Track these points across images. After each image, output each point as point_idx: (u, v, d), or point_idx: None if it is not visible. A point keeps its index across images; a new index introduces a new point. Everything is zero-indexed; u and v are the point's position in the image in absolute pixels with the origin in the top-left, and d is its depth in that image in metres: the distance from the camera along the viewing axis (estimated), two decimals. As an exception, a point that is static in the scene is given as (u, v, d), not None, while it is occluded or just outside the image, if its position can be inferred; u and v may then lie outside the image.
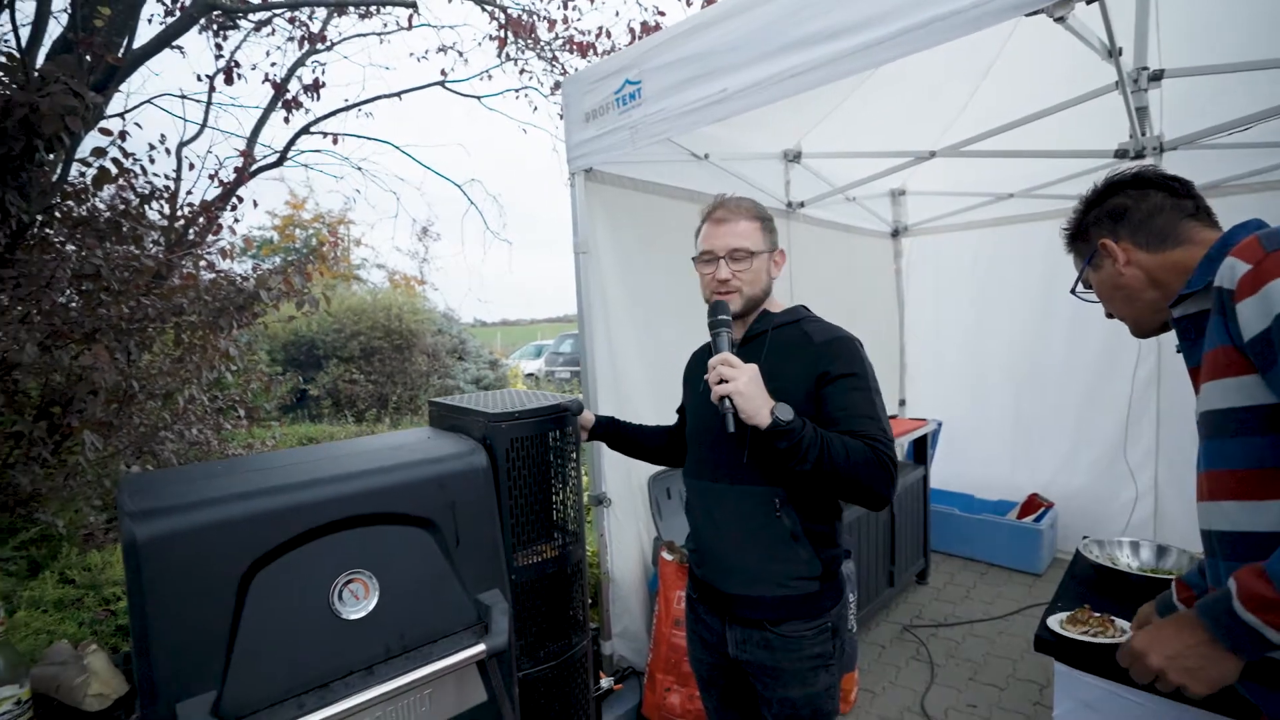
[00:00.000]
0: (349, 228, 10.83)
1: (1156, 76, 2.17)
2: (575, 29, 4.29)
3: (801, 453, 1.16)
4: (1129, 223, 1.10)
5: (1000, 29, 2.39)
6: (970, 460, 4.31)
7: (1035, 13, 1.35)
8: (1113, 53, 1.96)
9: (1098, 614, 1.60)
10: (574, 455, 1.70)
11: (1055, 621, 1.61)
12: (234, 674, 1.10)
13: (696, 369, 1.53)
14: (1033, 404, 4.07)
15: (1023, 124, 2.66)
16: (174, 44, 2.81)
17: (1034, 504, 3.97)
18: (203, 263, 2.78)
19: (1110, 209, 1.14)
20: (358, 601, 1.26)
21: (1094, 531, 3.59)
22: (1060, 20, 1.42)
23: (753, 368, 1.21)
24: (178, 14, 2.79)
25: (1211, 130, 2.54)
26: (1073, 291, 1.29)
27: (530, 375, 12.99)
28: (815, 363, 1.27)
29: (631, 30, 4.29)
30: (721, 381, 1.18)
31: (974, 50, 2.72)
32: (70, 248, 2.30)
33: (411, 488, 1.35)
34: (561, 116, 2.61)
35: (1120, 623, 1.57)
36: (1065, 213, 4.35)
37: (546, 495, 1.66)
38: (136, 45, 2.66)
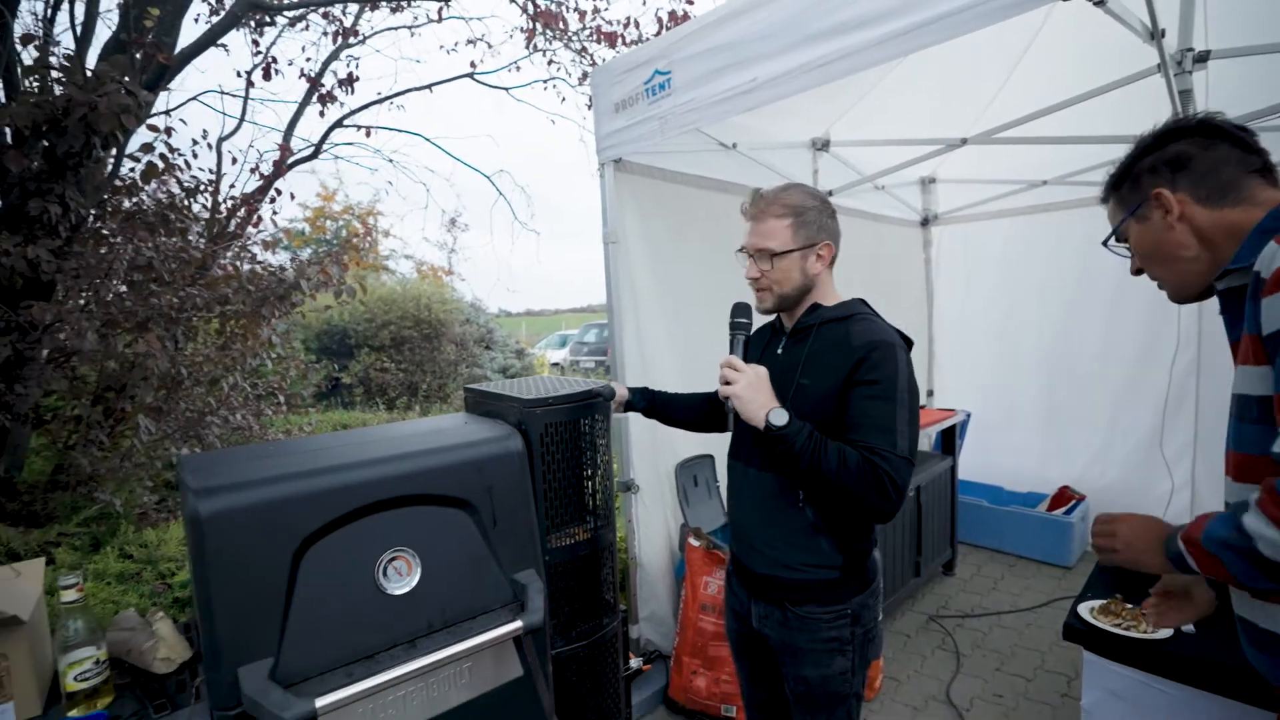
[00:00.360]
0: (377, 218, 11.04)
1: (1202, 58, 2.11)
2: (603, 19, 4.29)
3: (794, 457, 1.21)
4: (1190, 173, 1.00)
5: (1035, 12, 2.35)
6: (1000, 451, 4.26)
7: (1073, -2, 1.34)
8: (1155, 35, 1.92)
9: (1130, 605, 1.59)
10: (605, 441, 1.75)
11: (1086, 610, 1.61)
12: (289, 642, 1.17)
13: (749, 316, 1.51)
14: (1065, 395, 4.00)
15: (1058, 109, 2.61)
16: (219, 42, 2.91)
17: (1065, 496, 3.91)
18: (246, 254, 2.88)
19: (1171, 156, 1.02)
20: (401, 578, 1.32)
21: (1127, 525, 3.53)
22: (1100, 4, 1.40)
23: (757, 371, 1.27)
24: (222, 13, 2.88)
25: (1260, 113, 2.46)
26: (1105, 243, 1.18)
27: (555, 365, 13.10)
28: (848, 365, 1.26)
29: (659, 20, 4.28)
30: (727, 383, 1.27)
31: (1008, 34, 2.67)
32: (120, 240, 2.40)
33: (451, 470, 1.40)
34: (589, 107, 2.63)
35: (1152, 614, 1.56)
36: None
37: (579, 479, 1.70)
38: (183, 44, 2.77)
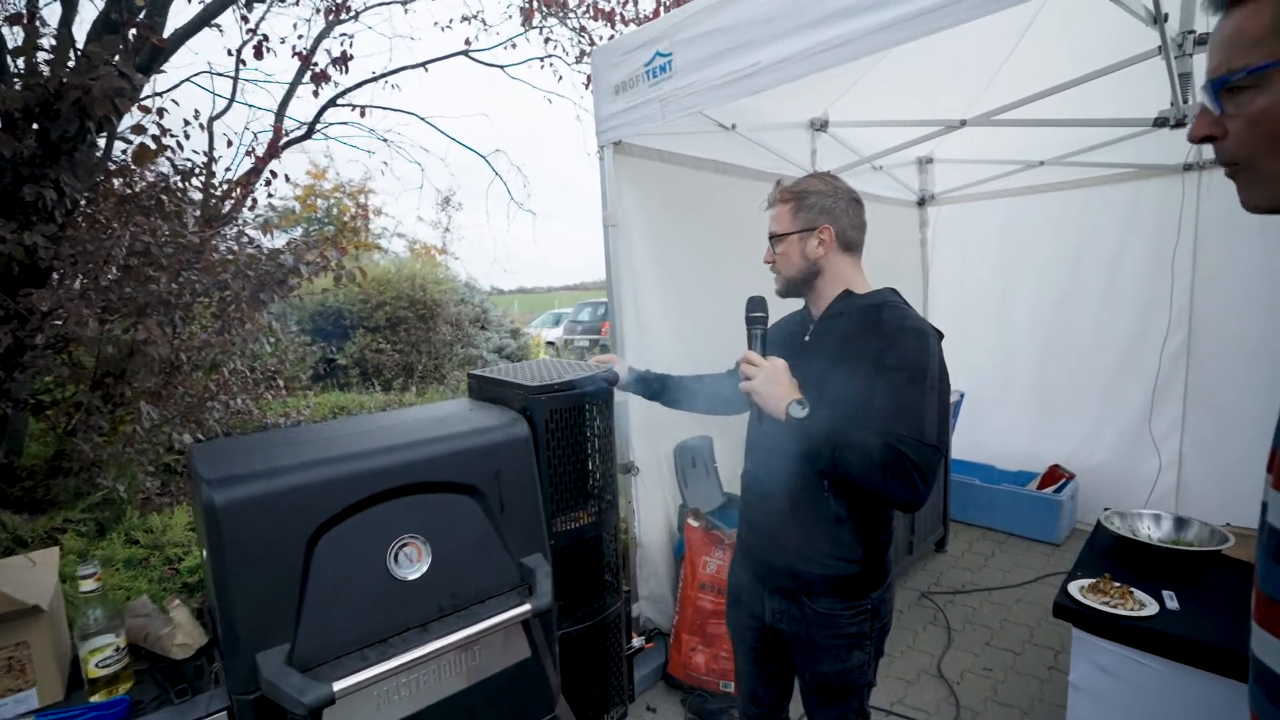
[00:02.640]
0: (369, 197, 10.89)
1: (1203, 40, 2.10)
2: None
3: (814, 450, 1.21)
4: None
5: (1039, -5, 2.32)
6: (992, 430, 4.32)
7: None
8: (1158, 19, 1.91)
9: (1118, 584, 1.64)
10: (609, 425, 1.77)
11: (1076, 589, 1.66)
12: (305, 628, 1.20)
13: (772, 342, 1.50)
14: (1058, 375, 4.05)
15: (1058, 91, 2.60)
16: (213, 23, 2.84)
17: (1055, 475, 3.98)
18: (244, 238, 2.85)
19: None
20: (412, 564, 1.34)
21: (1115, 503, 3.60)
22: (1106, -9, 1.39)
23: (774, 364, 1.27)
24: None
25: (1256, 97, 2.46)
26: (1222, 83, 0.66)
27: (550, 344, 13.09)
28: (877, 352, 1.24)
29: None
30: (747, 378, 1.27)
31: (1008, 16, 2.64)
32: (115, 225, 2.37)
33: (459, 457, 1.42)
34: (586, 85, 2.60)
35: (1139, 594, 1.61)
36: (1098, 181, 4.25)
37: (583, 464, 1.73)
38: (177, 25, 2.70)
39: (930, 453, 1.15)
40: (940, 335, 1.29)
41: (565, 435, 1.66)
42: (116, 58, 1.84)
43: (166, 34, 2.49)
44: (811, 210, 1.36)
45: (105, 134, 2.21)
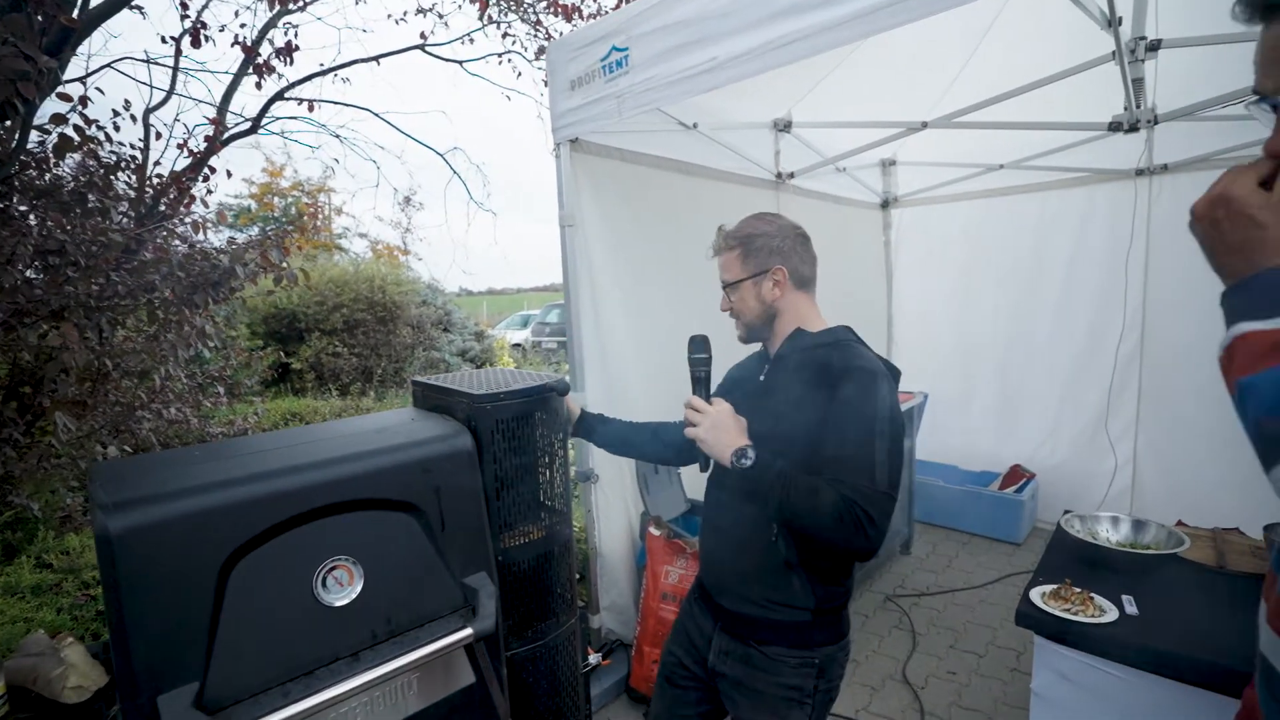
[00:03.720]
0: (329, 195, 10.58)
1: (1154, 46, 2.13)
2: None
3: (761, 497, 1.17)
4: None
5: (997, -4, 2.33)
6: (955, 431, 4.36)
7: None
8: (1112, 22, 1.92)
9: (1079, 590, 1.63)
10: (561, 435, 1.69)
11: (1038, 595, 1.64)
12: (217, 664, 1.09)
13: (725, 384, 1.51)
14: (1018, 376, 4.11)
15: (1016, 95, 2.62)
16: (133, 4, 2.65)
17: (1016, 475, 4.03)
18: (175, 239, 2.68)
19: None
20: (341, 588, 1.24)
21: (1074, 502, 3.67)
22: (1063, -10, 1.37)
23: (719, 409, 1.24)
24: None
25: (1206, 103, 2.52)
26: (1258, 92, 0.78)
27: (517, 346, 12.91)
28: (827, 395, 1.19)
29: (618, -7, 4.12)
30: (691, 424, 1.25)
31: (968, 18, 2.65)
32: (33, 220, 2.20)
33: (395, 472, 1.32)
34: (546, 83, 2.52)
35: (1099, 600, 1.60)
36: (1056, 184, 4.32)
37: (533, 476, 1.64)
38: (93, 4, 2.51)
39: (882, 499, 1.11)
40: (896, 373, 1.26)
41: (513, 446, 1.57)
42: (16, 37, 1.68)
43: (79, 15, 2.32)
44: (760, 253, 1.33)
45: (9, 121, 2.04)
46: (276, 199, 10.53)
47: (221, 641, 1.10)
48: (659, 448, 1.65)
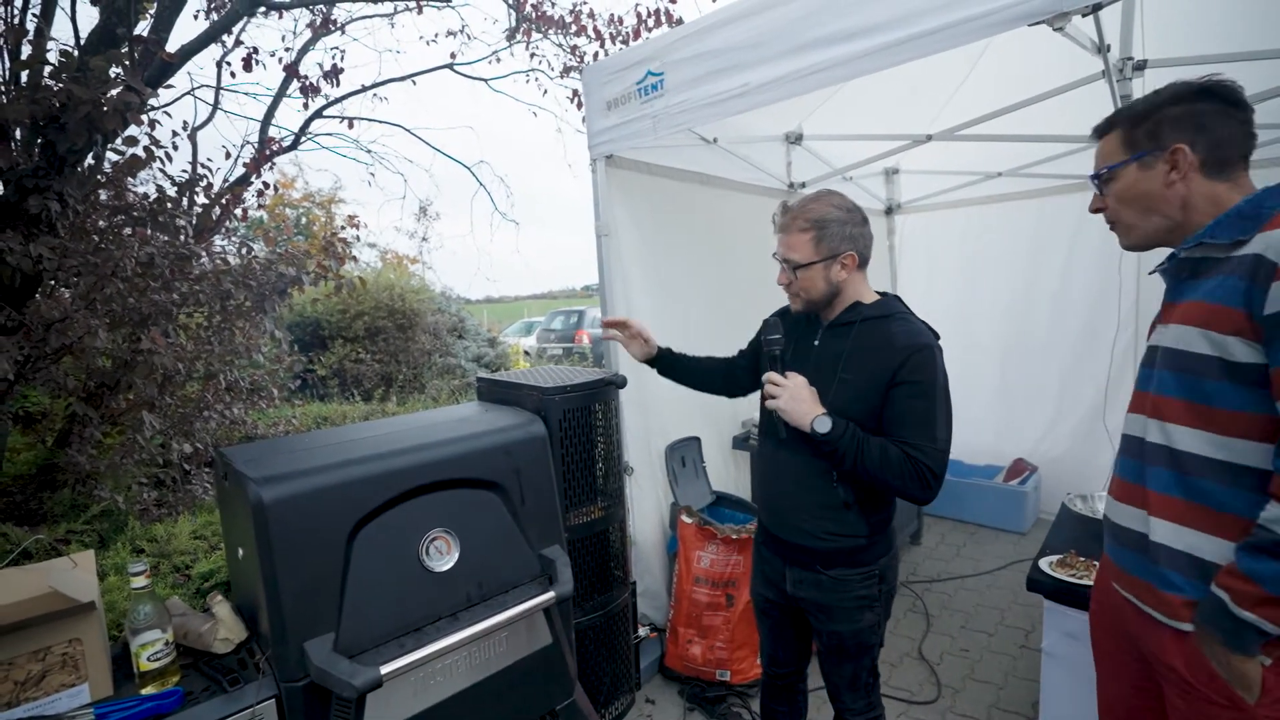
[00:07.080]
0: (340, 206, 10.77)
1: (1140, 66, 2.32)
2: (589, 17, 4.29)
3: (839, 457, 1.36)
4: (1207, 138, 0.99)
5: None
6: (959, 426, 4.43)
7: (1037, 23, 1.50)
8: (1101, 49, 2.11)
9: (1083, 558, 1.81)
10: (615, 426, 1.87)
11: (1046, 564, 1.82)
12: (347, 617, 1.27)
13: (779, 332, 1.58)
14: (1018, 374, 4.28)
15: (1014, 110, 2.81)
16: (220, 39, 2.84)
17: (1019, 468, 4.21)
18: (244, 248, 2.85)
19: (1198, 115, 1.00)
20: (442, 556, 1.42)
21: (1075, 492, 3.84)
22: (1060, 30, 1.57)
23: (796, 382, 1.41)
24: (226, 6, 2.79)
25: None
26: (1095, 177, 1.14)
27: (526, 352, 13.06)
28: (891, 366, 1.36)
29: (639, 15, 4.32)
30: (772, 397, 1.41)
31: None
32: (110, 237, 2.37)
33: (483, 454, 1.51)
34: (572, 100, 2.70)
35: (1102, 563, 1.77)
36: (1051, 191, 4.53)
37: (591, 461, 1.83)
38: (178, 39, 2.70)
39: (941, 456, 1.34)
40: (938, 337, 1.44)
41: (577, 434, 1.75)
42: (121, 71, 1.86)
43: (172, 48, 2.51)
44: (834, 239, 1.44)
45: (101, 145, 2.22)
46: (289, 210, 10.72)
47: (350, 598, 1.28)
48: (701, 376, 1.82)
